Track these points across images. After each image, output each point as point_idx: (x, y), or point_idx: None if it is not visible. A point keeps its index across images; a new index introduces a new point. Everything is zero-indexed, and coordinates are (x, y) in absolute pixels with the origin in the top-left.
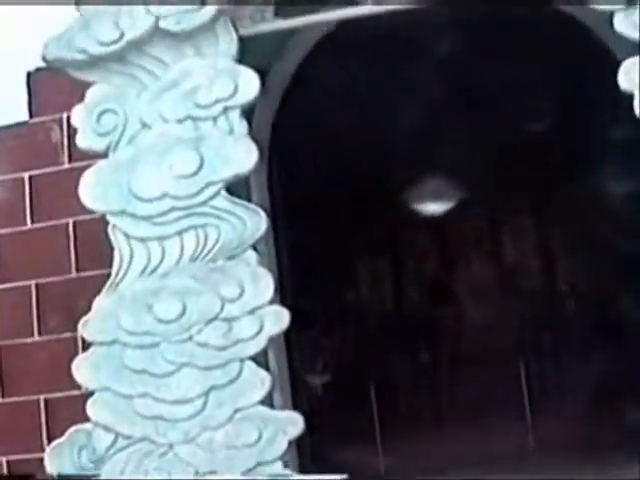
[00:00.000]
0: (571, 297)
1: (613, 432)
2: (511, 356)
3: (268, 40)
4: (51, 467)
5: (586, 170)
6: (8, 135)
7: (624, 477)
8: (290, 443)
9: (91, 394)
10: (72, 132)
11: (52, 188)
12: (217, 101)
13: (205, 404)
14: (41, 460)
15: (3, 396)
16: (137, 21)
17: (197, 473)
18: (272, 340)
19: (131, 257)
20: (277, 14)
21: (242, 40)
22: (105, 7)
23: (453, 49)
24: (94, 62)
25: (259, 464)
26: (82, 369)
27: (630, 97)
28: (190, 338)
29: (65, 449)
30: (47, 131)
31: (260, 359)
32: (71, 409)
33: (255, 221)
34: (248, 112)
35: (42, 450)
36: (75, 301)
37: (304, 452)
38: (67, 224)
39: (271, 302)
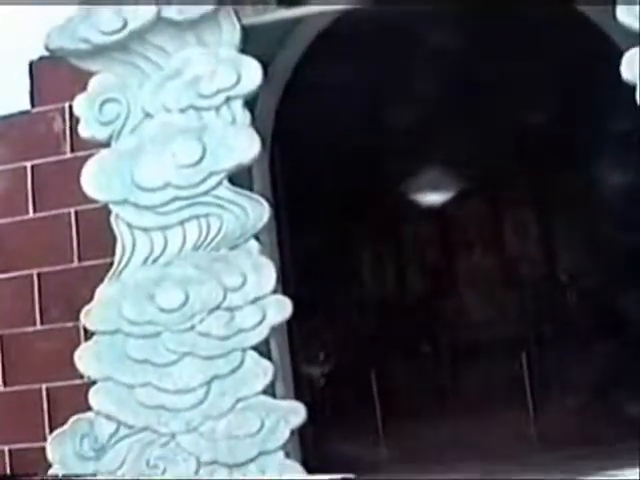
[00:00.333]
0: (573, 288)
1: (614, 425)
2: (513, 347)
3: (271, 30)
4: (53, 456)
5: (588, 161)
6: (10, 124)
7: (625, 470)
8: (292, 432)
9: (93, 383)
10: (74, 121)
11: (54, 177)
12: (220, 91)
13: (207, 393)
14: (43, 449)
15: (5, 385)
16: (140, 10)
17: (199, 462)
18: (274, 330)
19: (133, 246)
20: (280, 3)
21: (245, 29)
22: None
23: (454, 41)
24: (97, 51)
25: (261, 453)
26: (84, 358)
27: (633, 88)
28: (192, 327)
29: (67, 438)
30: (49, 120)
31: (262, 349)
32: (73, 398)
33: (257, 211)
34: (251, 102)
35: (44, 439)
36: (77, 290)
37: (306, 442)
38: (69, 213)
39: (273, 292)
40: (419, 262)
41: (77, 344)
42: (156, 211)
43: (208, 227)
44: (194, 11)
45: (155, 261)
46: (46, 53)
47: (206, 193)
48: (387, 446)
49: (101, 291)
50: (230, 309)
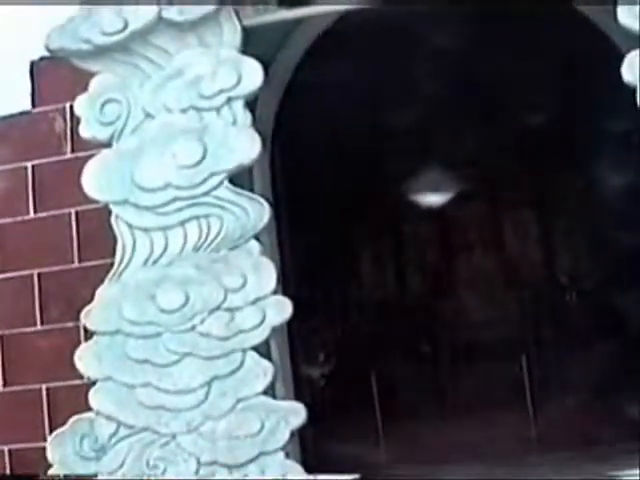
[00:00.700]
0: (573, 289)
1: (614, 426)
2: (513, 348)
3: (272, 30)
4: (53, 456)
5: (588, 161)
6: (11, 125)
7: (625, 471)
8: (292, 433)
9: (93, 383)
10: (75, 122)
11: (55, 178)
12: (221, 91)
13: (207, 394)
14: (43, 449)
15: (5, 385)
16: (141, 11)
17: (199, 463)
18: (274, 330)
19: (134, 247)
20: (281, 4)
21: (246, 30)
22: None
23: (455, 41)
24: (98, 52)
25: (261, 454)
26: (84, 358)
27: (633, 90)
28: (193, 328)
29: (67, 438)
30: (50, 121)
31: (262, 349)
32: (73, 398)
33: (258, 211)
34: (251, 102)
35: (44, 439)
36: (77, 291)
37: (306, 442)
38: (70, 214)
39: (274, 292)
40: (419, 262)
41: (77, 344)
42: (156, 211)
43: (208, 228)
44: (195, 12)
45: (155, 262)
46: (47, 53)
47: (207, 194)
48: (387, 447)
49: (101, 291)
50: (230, 310)
